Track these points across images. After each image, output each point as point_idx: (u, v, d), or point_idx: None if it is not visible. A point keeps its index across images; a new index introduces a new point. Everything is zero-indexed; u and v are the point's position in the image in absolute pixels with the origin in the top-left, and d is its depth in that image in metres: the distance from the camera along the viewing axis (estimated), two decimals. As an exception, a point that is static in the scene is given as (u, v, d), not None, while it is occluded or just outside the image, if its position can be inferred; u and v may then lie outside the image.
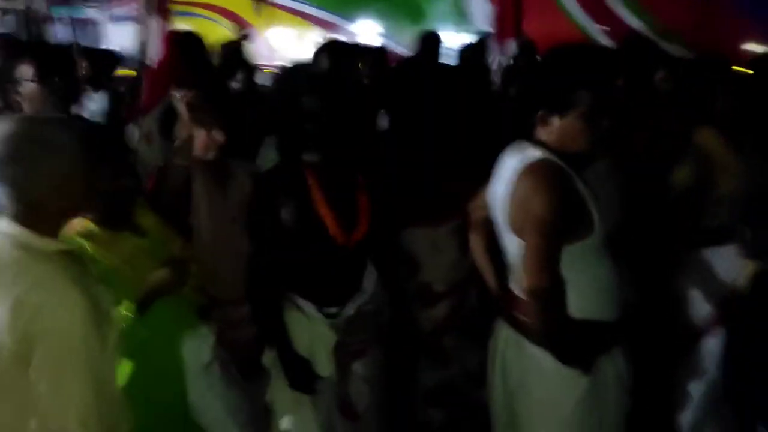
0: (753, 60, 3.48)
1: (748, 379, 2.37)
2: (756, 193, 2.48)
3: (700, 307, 2.55)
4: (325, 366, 2.11)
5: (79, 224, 1.89)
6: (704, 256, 2.53)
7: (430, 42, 3.92)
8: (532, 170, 1.75)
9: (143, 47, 2.87)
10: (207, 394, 2.13)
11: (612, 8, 4.87)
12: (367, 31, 6.80)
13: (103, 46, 7.04)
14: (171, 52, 2.62)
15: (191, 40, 3.05)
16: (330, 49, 2.90)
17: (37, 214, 1.43)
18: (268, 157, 2.51)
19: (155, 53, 2.66)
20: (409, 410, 2.65)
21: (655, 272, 2.53)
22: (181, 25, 7.38)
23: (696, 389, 2.56)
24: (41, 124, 1.50)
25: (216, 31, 6.58)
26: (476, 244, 2.15)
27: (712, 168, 2.48)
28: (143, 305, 1.90)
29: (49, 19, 8.85)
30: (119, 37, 7.18)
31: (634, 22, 4.98)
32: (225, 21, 7.25)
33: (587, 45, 3.28)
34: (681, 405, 2.59)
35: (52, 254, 1.45)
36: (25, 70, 2.24)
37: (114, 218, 1.96)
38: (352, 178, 2.16)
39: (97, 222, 1.92)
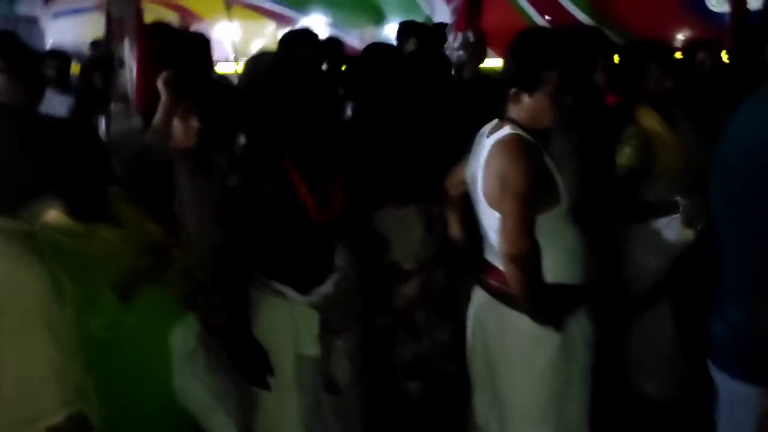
0: (683, 45, 3.75)
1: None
2: (689, 167, 2.70)
3: (648, 273, 2.75)
4: (310, 345, 2.20)
5: (54, 217, 1.93)
6: (648, 227, 2.72)
7: (401, 31, 4.07)
8: (505, 145, 1.90)
9: (110, 39, 2.85)
10: (192, 380, 2.15)
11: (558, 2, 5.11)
12: (319, 24, 6.86)
13: (46, 43, 6.84)
14: (150, 43, 2.63)
15: (168, 29, 3.05)
16: (303, 39, 2.97)
17: None
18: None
19: (128, 47, 2.66)
20: (388, 384, 2.76)
21: (607, 242, 2.71)
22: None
23: (649, 349, 2.76)
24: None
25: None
26: (452, 218, 2.28)
27: (651, 144, 2.68)
28: (126, 292, 1.92)
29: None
30: (61, 33, 7.00)
31: (578, 14, 5.25)
32: (171, 14, 7.15)
33: (556, 29, 3.45)
34: (636, 364, 2.79)
35: (11, 232, 1.50)
36: None
37: (87, 210, 1.97)
38: (326, 161, 2.25)
39: (71, 214, 1.94)
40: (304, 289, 2.18)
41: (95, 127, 2.58)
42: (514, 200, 1.83)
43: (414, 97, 2.76)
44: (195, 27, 5.89)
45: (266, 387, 2.15)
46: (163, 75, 2.34)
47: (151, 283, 1.98)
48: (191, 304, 2.19)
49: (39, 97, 2.43)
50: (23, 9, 8.30)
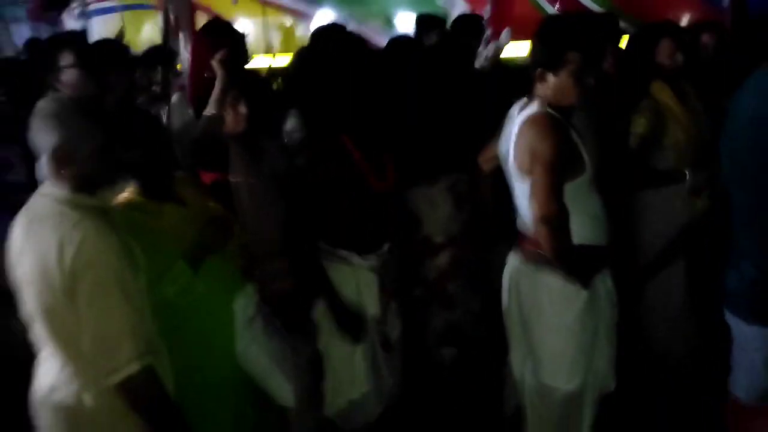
0: (688, 27, 3.95)
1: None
2: (697, 140, 2.92)
3: (660, 238, 2.96)
4: (373, 307, 2.46)
5: (127, 196, 2.14)
6: (659, 193, 2.94)
7: (423, 24, 4.22)
8: (534, 121, 2.11)
9: (167, 37, 3.06)
10: (252, 345, 2.36)
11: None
12: (333, 17, 7.02)
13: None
14: (202, 38, 2.83)
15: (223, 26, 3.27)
16: (336, 34, 3.17)
17: (74, 177, 1.72)
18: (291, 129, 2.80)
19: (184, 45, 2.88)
20: (422, 350, 2.98)
21: (623, 208, 2.92)
22: (135, 17, 7.50)
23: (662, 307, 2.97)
24: (71, 102, 1.77)
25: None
26: (486, 190, 2.49)
27: (664, 117, 2.89)
28: (194, 262, 2.14)
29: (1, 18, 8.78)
30: (91, 32, 7.19)
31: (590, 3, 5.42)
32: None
33: (579, 13, 3.62)
34: (649, 323, 3.00)
35: (88, 207, 1.74)
36: (66, 58, 2.45)
37: (157, 190, 2.19)
38: (378, 139, 2.47)
39: (143, 194, 2.16)
40: (365, 253, 2.44)
41: (159, 117, 2.78)
42: (544, 169, 2.05)
43: (436, 86, 2.96)
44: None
45: (360, 339, 2.42)
46: (219, 55, 2.53)
47: (214, 254, 2.19)
48: (249, 275, 2.42)
49: (107, 89, 2.64)
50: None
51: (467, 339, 2.98)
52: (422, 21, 4.28)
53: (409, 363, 2.78)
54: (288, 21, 7.14)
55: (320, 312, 2.46)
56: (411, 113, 2.93)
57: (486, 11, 4.12)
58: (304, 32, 6.81)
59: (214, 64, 2.54)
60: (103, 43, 3.21)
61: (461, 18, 4.12)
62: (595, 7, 5.39)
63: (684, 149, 2.93)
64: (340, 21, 6.79)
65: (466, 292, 2.97)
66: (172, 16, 2.99)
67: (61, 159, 1.70)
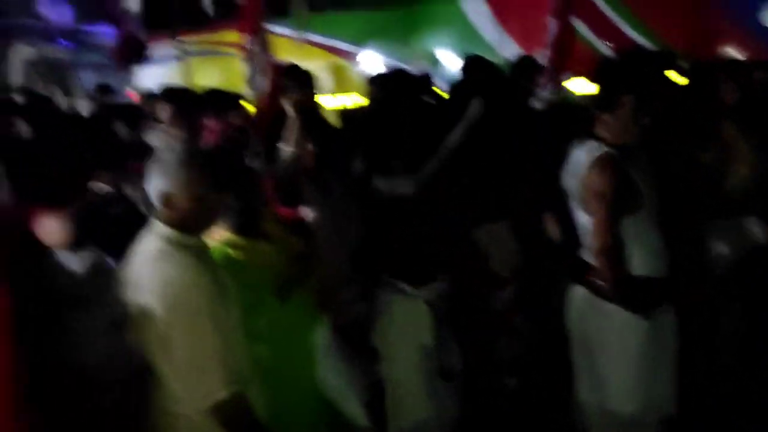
0: (746, 64, 4.03)
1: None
2: (760, 174, 3.03)
3: (722, 266, 3.04)
4: (427, 337, 2.59)
5: (221, 235, 2.35)
6: (724, 225, 3.03)
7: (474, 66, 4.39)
8: (594, 160, 2.27)
9: (252, 81, 3.32)
10: (330, 372, 2.52)
11: (618, 27, 5.43)
12: (379, 57, 7.29)
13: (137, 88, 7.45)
14: (279, 82, 3.09)
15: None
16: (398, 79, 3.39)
17: (179, 218, 1.94)
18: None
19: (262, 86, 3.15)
20: (485, 378, 3.09)
21: (688, 240, 3.01)
22: (208, 63, 7.94)
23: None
24: (176, 151, 2.01)
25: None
26: (551, 225, 2.63)
27: (729, 154, 3.02)
28: (282, 295, 2.33)
29: (72, 65, 9.38)
30: (151, 78, 7.65)
31: (637, 38, 5.58)
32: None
33: (634, 52, 3.74)
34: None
35: (189, 246, 1.95)
36: (166, 109, 2.71)
37: (247, 228, 2.38)
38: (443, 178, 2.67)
39: (236, 232, 2.36)
40: (419, 285, 2.61)
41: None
42: (601, 204, 2.20)
43: (497, 129, 3.14)
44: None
45: None
46: (292, 97, 2.74)
47: (300, 288, 2.38)
48: (323, 305, 2.59)
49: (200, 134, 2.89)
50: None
51: (531, 368, 3.10)
52: (473, 63, 4.44)
53: (472, 391, 2.91)
54: (339, 61, 7.45)
55: (377, 337, 2.61)
56: (473, 155, 3.11)
57: (542, 54, 4.26)
58: (355, 72, 7.11)
59: (288, 106, 2.73)
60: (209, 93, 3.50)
61: (519, 61, 4.27)
62: (646, 43, 5.55)
63: (749, 184, 3.04)
64: (387, 61, 7.14)
65: (531, 324, 3.10)
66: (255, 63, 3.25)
67: (167, 203, 1.92)
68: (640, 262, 2.27)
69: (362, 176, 2.94)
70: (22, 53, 9.20)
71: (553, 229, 2.75)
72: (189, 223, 1.97)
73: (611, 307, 2.31)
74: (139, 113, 3.90)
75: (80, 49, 9.48)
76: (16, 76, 8.75)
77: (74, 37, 9.65)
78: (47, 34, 9.63)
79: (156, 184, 1.94)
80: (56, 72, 9.40)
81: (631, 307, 2.27)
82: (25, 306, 1.80)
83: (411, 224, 2.62)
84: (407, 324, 2.60)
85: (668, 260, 2.37)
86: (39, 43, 9.63)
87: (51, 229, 1.94)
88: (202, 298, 1.89)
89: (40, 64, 9.37)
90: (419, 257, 2.63)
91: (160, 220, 1.96)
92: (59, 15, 9.88)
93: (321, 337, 2.51)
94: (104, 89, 6.34)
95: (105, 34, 9.51)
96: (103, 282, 2.02)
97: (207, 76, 7.76)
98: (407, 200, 2.68)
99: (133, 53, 5.71)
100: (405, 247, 2.60)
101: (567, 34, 4.31)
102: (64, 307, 1.99)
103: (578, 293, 2.46)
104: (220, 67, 7.66)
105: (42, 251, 1.98)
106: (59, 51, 9.36)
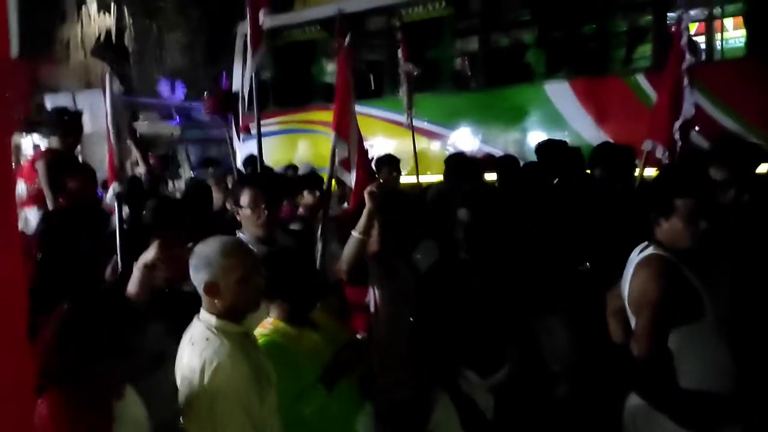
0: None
1: None
2: None
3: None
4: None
5: (273, 323, 2.42)
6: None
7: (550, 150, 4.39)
8: (646, 264, 2.20)
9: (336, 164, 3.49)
10: None
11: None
12: (466, 138, 7.42)
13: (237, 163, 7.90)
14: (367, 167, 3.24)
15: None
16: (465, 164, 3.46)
17: (222, 306, 2.06)
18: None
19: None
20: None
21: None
22: (299, 139, 8.40)
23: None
24: (217, 243, 2.10)
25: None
26: (614, 327, 2.52)
27: None
28: (329, 383, 2.33)
29: (180, 140, 10.16)
30: (248, 151, 8.15)
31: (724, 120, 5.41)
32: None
33: (687, 161, 3.59)
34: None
35: (231, 333, 2.06)
36: (247, 197, 2.87)
37: (299, 317, 2.45)
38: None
39: (287, 320, 2.43)
40: (483, 374, 2.60)
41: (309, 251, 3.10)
42: (648, 310, 2.12)
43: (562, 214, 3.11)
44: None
45: None
46: (370, 188, 2.81)
47: (348, 377, 2.40)
48: (367, 391, 2.59)
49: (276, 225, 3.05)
50: (211, 132, 9.75)
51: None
52: (549, 147, 4.44)
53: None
54: (426, 142, 7.64)
55: (435, 423, 2.57)
56: (537, 242, 3.08)
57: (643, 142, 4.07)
58: (441, 152, 7.26)
59: (366, 195, 2.81)
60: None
61: (600, 147, 4.23)
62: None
63: None
64: (475, 143, 7.26)
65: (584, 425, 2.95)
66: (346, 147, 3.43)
67: (210, 292, 2.03)
68: (698, 376, 2.13)
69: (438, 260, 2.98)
70: (138, 128, 10.06)
71: (615, 329, 2.62)
72: (231, 311, 2.08)
73: (662, 417, 2.17)
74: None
75: (187, 125, 10.25)
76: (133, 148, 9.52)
77: (184, 113, 10.47)
78: (163, 110, 10.53)
79: (197, 275, 2.06)
80: (166, 145, 10.20)
81: (684, 424, 2.12)
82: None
83: (476, 312, 2.61)
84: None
85: (736, 375, 2.21)
86: (155, 119, 10.54)
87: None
88: (236, 387, 1.99)
89: (152, 137, 10.22)
90: (487, 347, 2.62)
91: (205, 308, 2.09)
92: (173, 94, 10.79)
93: (363, 425, 2.50)
94: (211, 162, 6.82)
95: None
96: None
97: (298, 153, 8.22)
98: (469, 285, 2.70)
99: (224, 105, 6.16)
100: (473, 336, 2.59)
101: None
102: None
103: (633, 399, 2.33)
104: (311, 144, 8.07)
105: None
106: (170, 126, 10.15)
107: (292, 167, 6.64)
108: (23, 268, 0.82)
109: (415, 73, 6.09)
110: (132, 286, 2.09)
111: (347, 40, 3.58)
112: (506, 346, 2.72)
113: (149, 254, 2.09)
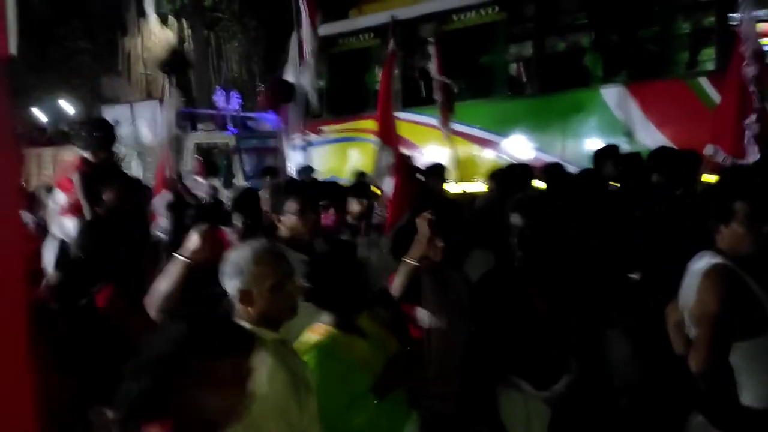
0: None
1: None
2: None
3: None
4: None
5: (323, 329, 2.39)
6: None
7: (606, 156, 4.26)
8: (706, 274, 2.08)
9: (380, 171, 3.47)
10: None
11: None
12: (521, 145, 7.28)
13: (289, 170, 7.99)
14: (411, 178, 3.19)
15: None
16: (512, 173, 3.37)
17: (257, 314, 2.02)
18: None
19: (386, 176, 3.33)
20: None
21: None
22: (352, 148, 8.43)
23: None
24: (248, 250, 2.08)
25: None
26: (676, 341, 2.38)
27: None
28: (381, 394, 2.28)
29: (235, 150, 10.31)
30: (303, 160, 8.26)
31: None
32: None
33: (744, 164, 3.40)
34: None
35: (267, 341, 2.01)
36: (291, 205, 2.87)
37: (348, 323, 2.41)
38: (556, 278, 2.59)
39: (337, 327, 2.39)
40: (540, 385, 2.49)
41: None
42: (708, 322, 2.01)
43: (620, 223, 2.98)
44: (412, 154, 6.71)
45: None
46: (426, 215, 2.70)
47: (399, 387, 2.35)
48: (414, 401, 2.52)
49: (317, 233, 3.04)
50: (269, 142, 9.89)
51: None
52: (606, 153, 4.31)
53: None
54: (475, 150, 7.53)
55: None
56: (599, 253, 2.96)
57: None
58: (490, 160, 7.14)
59: (420, 222, 2.71)
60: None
61: (658, 151, 4.01)
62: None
63: None
64: (530, 150, 7.10)
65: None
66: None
67: (244, 300, 2.01)
68: (761, 393, 1.99)
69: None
70: (195, 138, 10.29)
71: (677, 343, 2.47)
72: (265, 318, 2.05)
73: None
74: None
75: (242, 134, 10.42)
76: (189, 158, 9.74)
77: (239, 123, 10.66)
78: (219, 120, 10.74)
79: (230, 283, 2.04)
80: (222, 155, 10.40)
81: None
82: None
83: (536, 321, 2.54)
84: (518, 423, 2.49)
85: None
86: (211, 129, 10.76)
87: None
88: (271, 393, 1.95)
89: (209, 148, 10.43)
90: (546, 357, 2.53)
91: (239, 317, 2.05)
92: (229, 104, 11.01)
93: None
94: (269, 171, 6.91)
95: (266, 120, 10.45)
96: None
97: (351, 161, 8.24)
98: (527, 293, 2.62)
99: (281, 96, 6.14)
100: (531, 347, 2.52)
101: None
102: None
103: (695, 417, 2.20)
104: (363, 153, 8.08)
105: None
106: (226, 136, 10.33)
107: (362, 173, 6.60)
108: (23, 268, 0.81)
109: (449, 83, 5.98)
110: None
111: (391, 46, 3.55)
112: (567, 357, 2.60)
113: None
